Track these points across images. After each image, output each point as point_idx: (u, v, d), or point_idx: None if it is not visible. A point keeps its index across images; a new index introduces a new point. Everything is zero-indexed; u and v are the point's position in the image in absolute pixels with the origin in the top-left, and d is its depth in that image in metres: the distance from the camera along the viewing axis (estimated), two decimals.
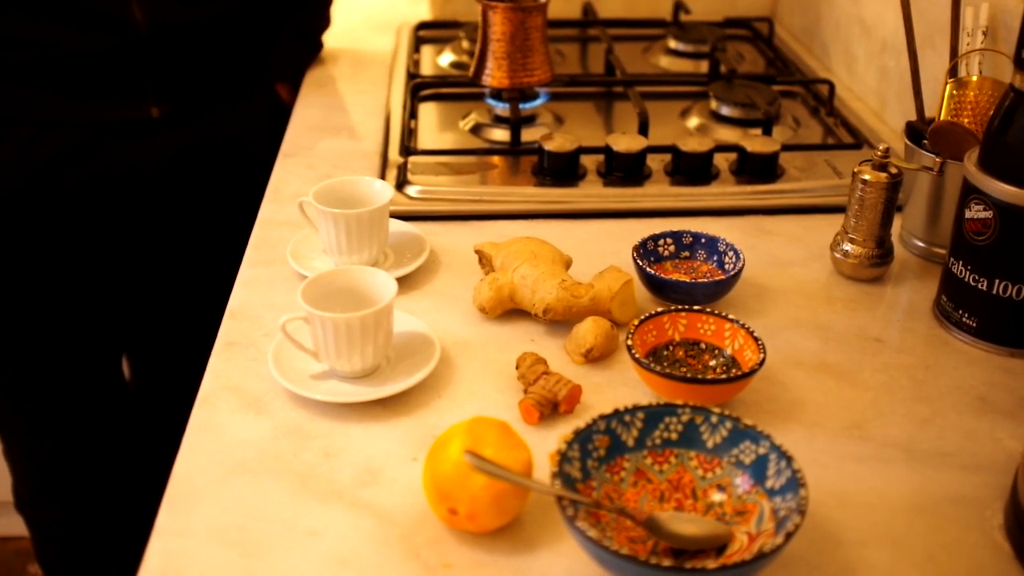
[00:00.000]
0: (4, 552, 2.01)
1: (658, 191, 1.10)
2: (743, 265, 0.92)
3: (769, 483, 0.67)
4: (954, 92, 0.98)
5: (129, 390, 1.45)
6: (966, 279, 0.87)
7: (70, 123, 1.15)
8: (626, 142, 1.11)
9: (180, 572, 0.66)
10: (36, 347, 1.27)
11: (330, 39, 1.48)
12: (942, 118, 0.98)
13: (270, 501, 0.71)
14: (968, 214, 0.86)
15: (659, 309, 0.84)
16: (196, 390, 0.84)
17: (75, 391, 1.32)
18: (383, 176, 1.14)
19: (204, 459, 0.75)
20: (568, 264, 0.93)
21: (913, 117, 1.07)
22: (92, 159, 1.16)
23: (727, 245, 0.95)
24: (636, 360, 0.78)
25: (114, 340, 1.37)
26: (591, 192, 1.09)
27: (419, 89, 1.34)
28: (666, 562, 0.63)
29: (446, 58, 1.48)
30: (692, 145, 1.11)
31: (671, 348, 0.84)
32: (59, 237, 1.19)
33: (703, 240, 0.96)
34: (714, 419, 0.70)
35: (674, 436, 0.71)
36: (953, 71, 1.00)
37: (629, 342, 0.80)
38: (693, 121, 1.28)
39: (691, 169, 1.11)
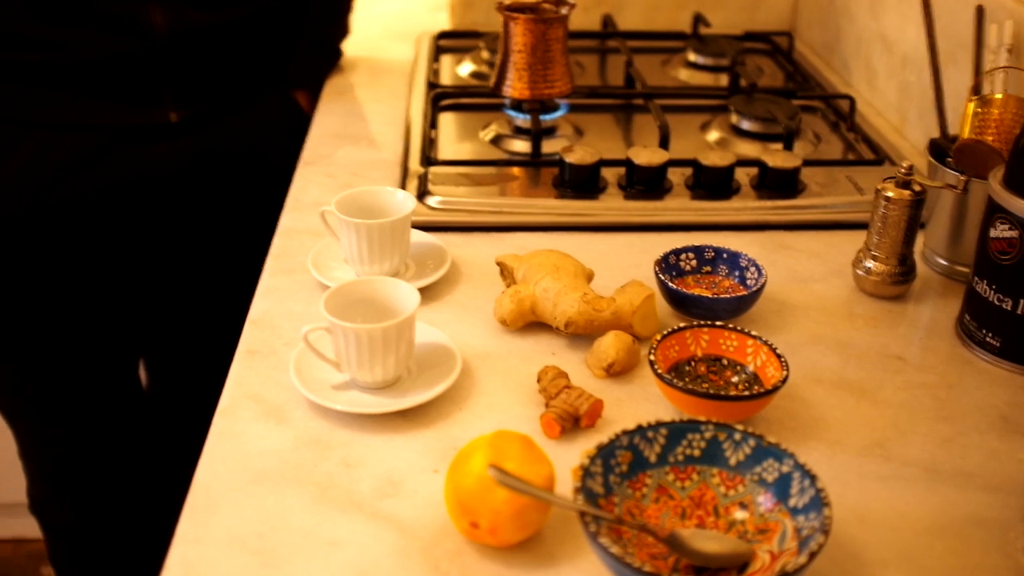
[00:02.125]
0: (17, 554, 2.01)
1: (679, 205, 1.09)
2: (765, 281, 0.91)
3: (792, 502, 0.67)
4: (978, 110, 0.98)
5: (145, 395, 1.45)
6: (990, 298, 0.87)
7: (87, 127, 1.15)
8: (647, 155, 1.11)
9: None
10: (52, 350, 1.27)
11: (349, 48, 1.49)
12: (966, 136, 0.98)
13: (290, 511, 0.72)
14: (993, 233, 0.85)
15: (681, 324, 0.84)
16: (212, 396, 0.84)
17: (91, 394, 1.32)
18: (403, 186, 1.13)
19: (225, 468, 0.75)
20: (590, 277, 0.93)
21: (934, 133, 1.07)
22: (109, 163, 1.17)
23: (749, 260, 0.94)
24: (658, 375, 0.78)
25: (131, 345, 1.37)
26: (612, 205, 1.09)
27: (439, 99, 1.34)
28: None
29: (466, 68, 1.48)
30: (713, 159, 1.10)
31: (693, 363, 0.84)
32: (75, 241, 1.19)
33: (725, 255, 0.96)
34: (737, 436, 0.70)
35: (697, 453, 0.70)
36: (977, 88, 1.00)
37: (651, 357, 0.80)
38: (713, 135, 1.28)
39: (712, 183, 1.11)
